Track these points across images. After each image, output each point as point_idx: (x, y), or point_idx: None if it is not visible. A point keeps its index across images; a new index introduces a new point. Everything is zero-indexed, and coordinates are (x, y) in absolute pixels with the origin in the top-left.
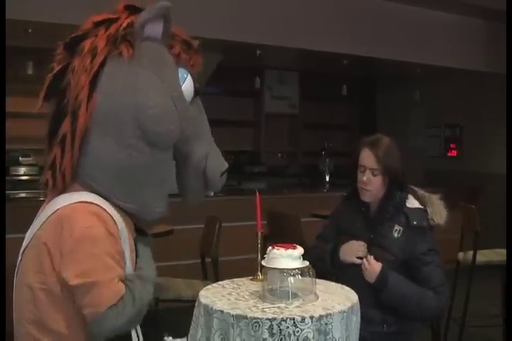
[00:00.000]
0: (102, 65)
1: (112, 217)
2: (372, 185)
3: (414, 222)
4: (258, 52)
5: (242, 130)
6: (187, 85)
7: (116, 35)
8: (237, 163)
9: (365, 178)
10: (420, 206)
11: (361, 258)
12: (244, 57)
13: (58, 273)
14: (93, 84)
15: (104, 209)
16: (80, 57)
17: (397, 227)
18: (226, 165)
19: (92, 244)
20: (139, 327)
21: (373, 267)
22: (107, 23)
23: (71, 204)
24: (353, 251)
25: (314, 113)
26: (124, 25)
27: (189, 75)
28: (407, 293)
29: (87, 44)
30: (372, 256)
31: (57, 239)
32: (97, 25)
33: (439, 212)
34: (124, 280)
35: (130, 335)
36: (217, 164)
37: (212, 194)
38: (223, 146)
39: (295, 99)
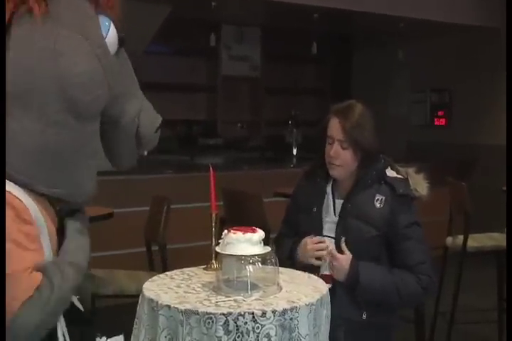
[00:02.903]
0: (8, 27)
1: (24, 204)
2: (341, 159)
3: (401, 190)
4: (213, 3)
5: (194, 96)
6: (110, 36)
7: None
8: (189, 135)
9: (332, 152)
10: (400, 176)
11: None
12: (197, 9)
13: None
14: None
15: (16, 197)
16: None
17: (378, 196)
18: (160, 118)
19: None
20: (65, 327)
21: (341, 263)
22: None
23: None
24: (308, 252)
25: (279, 76)
26: None
27: (111, 23)
28: (384, 287)
29: None
30: (345, 247)
31: None
32: None
33: (419, 184)
34: (41, 267)
35: (56, 336)
36: (151, 120)
37: (145, 153)
38: (173, 115)
39: (257, 59)
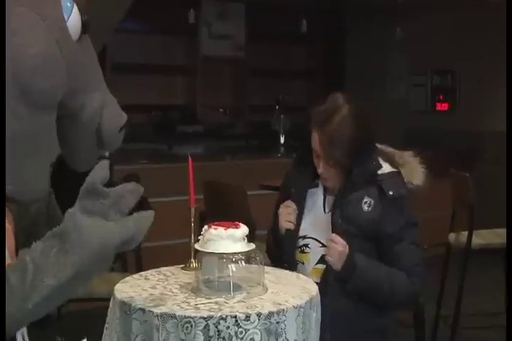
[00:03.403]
0: None
1: None
2: (329, 173)
3: (390, 193)
4: None
5: (172, 78)
6: (72, 19)
7: None
8: (165, 122)
9: (320, 170)
10: (392, 169)
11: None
12: None
13: None
14: None
15: None
16: None
17: (366, 199)
18: (125, 117)
19: None
20: (25, 330)
21: (337, 250)
22: None
23: None
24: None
25: (265, 56)
26: None
27: (74, 5)
28: (378, 280)
29: None
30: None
31: None
32: None
33: (414, 172)
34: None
35: (15, 339)
36: (115, 117)
37: (107, 154)
38: (147, 99)
39: (240, 38)
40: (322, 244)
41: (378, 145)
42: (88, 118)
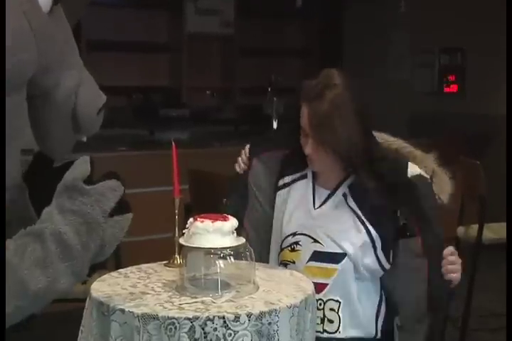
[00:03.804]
0: None
1: None
2: (318, 154)
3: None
4: None
5: (154, 57)
6: None
7: None
8: (147, 105)
9: (307, 150)
10: (422, 173)
11: None
12: None
13: None
14: None
15: None
16: None
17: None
18: (104, 98)
19: None
20: None
21: (460, 262)
22: None
23: None
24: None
25: (257, 33)
26: None
27: None
28: None
29: None
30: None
31: None
32: None
33: (444, 187)
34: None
35: None
36: (93, 98)
37: (85, 139)
38: (127, 80)
39: (229, 13)
40: (314, 239)
41: (391, 139)
42: (62, 98)
